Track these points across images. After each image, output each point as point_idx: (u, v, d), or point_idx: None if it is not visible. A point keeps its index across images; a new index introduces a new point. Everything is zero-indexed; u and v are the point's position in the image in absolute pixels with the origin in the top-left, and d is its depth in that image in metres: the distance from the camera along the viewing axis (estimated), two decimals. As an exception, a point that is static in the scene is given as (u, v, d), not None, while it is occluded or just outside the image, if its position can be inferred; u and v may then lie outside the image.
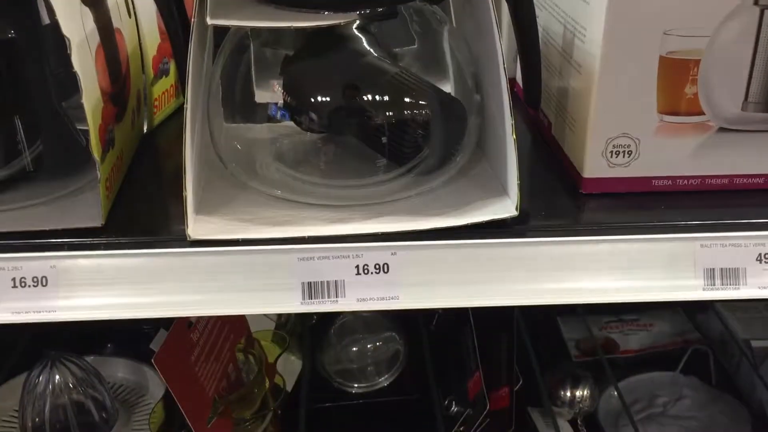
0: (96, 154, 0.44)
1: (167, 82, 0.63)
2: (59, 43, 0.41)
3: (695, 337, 0.91)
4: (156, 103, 0.61)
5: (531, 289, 0.44)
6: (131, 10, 0.55)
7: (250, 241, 0.44)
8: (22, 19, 0.46)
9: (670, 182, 0.50)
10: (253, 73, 0.52)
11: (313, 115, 0.50)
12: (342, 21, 0.44)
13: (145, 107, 0.59)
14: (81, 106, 0.43)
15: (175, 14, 0.47)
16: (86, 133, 0.44)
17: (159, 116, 0.62)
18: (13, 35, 0.46)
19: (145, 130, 0.60)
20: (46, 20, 0.47)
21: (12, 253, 0.43)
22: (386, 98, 0.49)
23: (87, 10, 0.46)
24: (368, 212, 0.47)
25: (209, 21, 0.42)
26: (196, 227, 0.44)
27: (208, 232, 0.44)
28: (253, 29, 0.50)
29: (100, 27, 0.47)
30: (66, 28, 0.41)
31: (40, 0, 0.47)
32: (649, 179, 0.50)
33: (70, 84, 0.47)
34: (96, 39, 0.46)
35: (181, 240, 0.44)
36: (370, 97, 0.49)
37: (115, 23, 0.51)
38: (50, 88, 0.49)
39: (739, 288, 0.44)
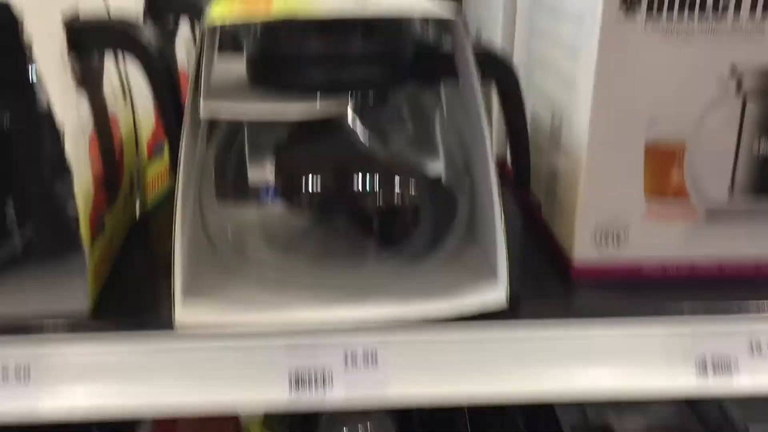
0: (85, 241, 0.44)
1: (161, 165, 0.64)
2: (55, 127, 0.42)
3: (694, 425, 0.89)
4: (150, 186, 0.62)
5: (521, 384, 0.44)
6: (127, 94, 0.56)
7: (237, 326, 0.43)
8: (19, 102, 0.47)
9: (660, 268, 0.50)
10: (246, 154, 0.53)
11: (303, 199, 0.51)
12: (332, 110, 0.45)
13: (138, 190, 0.59)
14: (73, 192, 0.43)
15: (168, 98, 0.48)
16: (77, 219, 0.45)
17: (153, 199, 0.63)
18: (8, 119, 0.46)
19: (138, 213, 0.60)
20: (44, 104, 0.48)
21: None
22: (375, 182, 0.49)
23: (83, 95, 0.46)
24: (357, 297, 0.46)
25: (203, 115, 0.43)
26: (184, 312, 0.44)
27: (196, 317, 0.44)
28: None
29: (95, 112, 0.48)
30: (60, 115, 0.42)
31: (38, 84, 0.48)
32: (639, 264, 0.50)
33: (64, 168, 0.47)
34: (90, 125, 0.47)
35: (169, 327, 0.44)
36: (359, 181, 0.50)
37: (112, 108, 0.52)
38: (44, 171, 0.49)
39: (731, 377, 0.44)
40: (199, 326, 0.43)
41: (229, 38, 0.54)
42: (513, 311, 0.45)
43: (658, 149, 0.48)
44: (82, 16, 0.46)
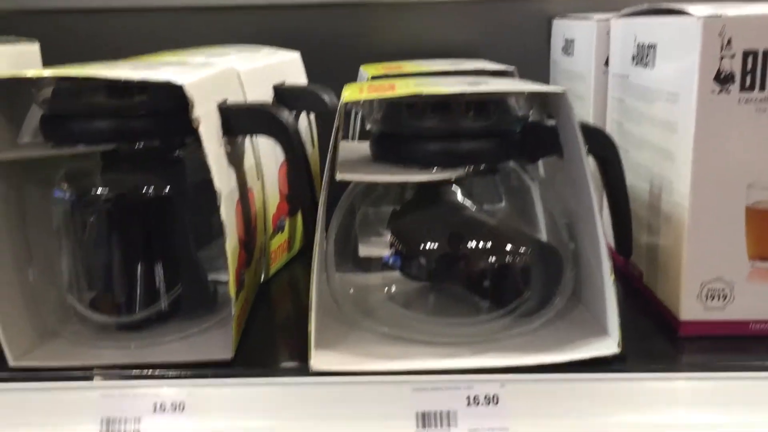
0: (232, 292, 0.50)
1: (282, 238, 0.70)
2: (206, 198, 0.48)
3: None
4: (272, 255, 0.68)
5: (635, 423, 0.46)
6: (260, 174, 0.63)
7: (368, 373, 0.47)
8: (175, 177, 0.54)
9: (765, 324, 0.51)
10: (357, 230, 0.58)
11: (421, 263, 0.55)
12: (452, 176, 0.50)
13: (264, 258, 0.65)
14: (215, 256, 0.49)
15: (305, 173, 0.54)
16: (216, 281, 0.50)
17: (274, 267, 0.68)
18: (167, 192, 0.53)
19: (262, 279, 0.66)
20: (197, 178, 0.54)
21: (153, 381, 0.48)
22: (488, 246, 0.54)
23: (232, 170, 0.53)
24: (475, 349, 0.50)
25: (338, 177, 0.49)
26: (318, 360, 0.48)
27: (329, 364, 0.48)
28: (365, 191, 0.57)
29: (240, 185, 0.55)
30: (218, 182, 0.48)
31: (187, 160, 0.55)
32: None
33: (206, 235, 0.54)
34: (236, 195, 0.53)
35: (304, 372, 0.48)
36: (473, 245, 0.54)
37: (250, 183, 0.58)
38: (191, 239, 0.56)
39: None
40: (331, 373, 0.47)
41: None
42: (624, 362, 0.47)
43: (758, 213, 0.51)
44: (229, 104, 0.54)
